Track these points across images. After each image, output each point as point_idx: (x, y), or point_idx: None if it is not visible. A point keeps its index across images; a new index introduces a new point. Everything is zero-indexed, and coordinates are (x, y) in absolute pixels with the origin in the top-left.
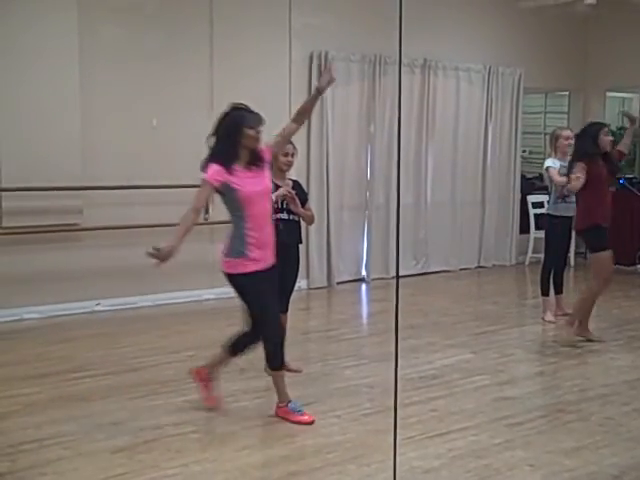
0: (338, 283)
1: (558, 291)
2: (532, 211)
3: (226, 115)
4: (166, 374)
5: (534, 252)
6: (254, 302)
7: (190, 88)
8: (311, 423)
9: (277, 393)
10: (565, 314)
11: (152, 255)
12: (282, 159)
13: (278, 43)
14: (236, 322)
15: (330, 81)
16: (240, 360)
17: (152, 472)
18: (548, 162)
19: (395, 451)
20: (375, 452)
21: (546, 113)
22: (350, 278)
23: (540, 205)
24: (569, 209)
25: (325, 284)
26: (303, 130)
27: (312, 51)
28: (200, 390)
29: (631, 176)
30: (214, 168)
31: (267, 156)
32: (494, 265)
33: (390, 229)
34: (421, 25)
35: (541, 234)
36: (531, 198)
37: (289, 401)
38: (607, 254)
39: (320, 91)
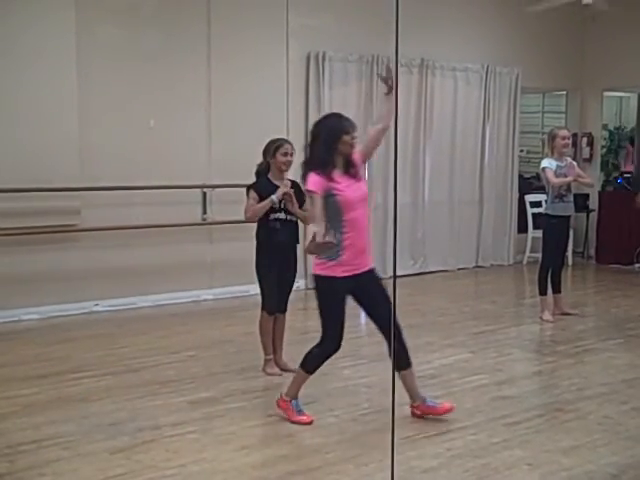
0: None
1: (556, 290)
2: (530, 210)
3: (321, 123)
4: (165, 374)
5: (532, 251)
6: (326, 307)
7: (187, 88)
8: (309, 423)
9: (289, 387)
10: (563, 313)
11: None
12: (281, 159)
13: (275, 43)
14: (235, 322)
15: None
16: (239, 360)
17: (150, 472)
18: (544, 163)
19: (393, 450)
20: (373, 451)
21: (544, 113)
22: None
23: (538, 204)
24: (566, 209)
25: None
26: (301, 130)
27: (309, 51)
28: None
29: (629, 175)
30: (314, 178)
31: (359, 161)
32: (492, 265)
33: (388, 229)
34: (418, 25)
35: (539, 233)
36: (529, 197)
37: (294, 398)
38: None
39: (388, 91)
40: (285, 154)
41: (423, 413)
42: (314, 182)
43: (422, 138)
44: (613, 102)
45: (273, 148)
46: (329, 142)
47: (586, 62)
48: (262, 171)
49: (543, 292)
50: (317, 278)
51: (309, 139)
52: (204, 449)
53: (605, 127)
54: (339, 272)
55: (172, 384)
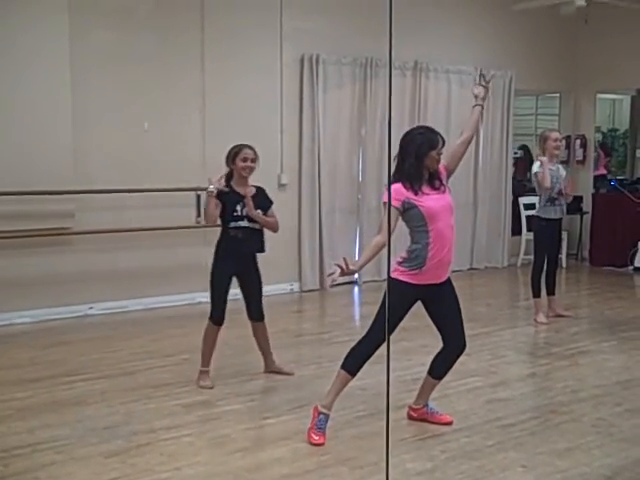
0: (331, 286)
1: (550, 292)
2: (524, 213)
3: (409, 135)
4: (160, 378)
5: (526, 254)
6: (387, 310)
7: (182, 91)
8: (317, 445)
9: (329, 392)
10: (557, 315)
11: (339, 266)
12: (240, 164)
13: (269, 46)
14: (230, 325)
15: (486, 93)
16: (234, 363)
17: (145, 476)
18: (536, 167)
19: (387, 453)
20: (368, 454)
21: (537, 115)
22: (342, 281)
23: (532, 207)
24: (557, 212)
25: (317, 287)
26: (295, 133)
27: (303, 54)
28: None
29: (622, 177)
30: (394, 188)
31: (444, 174)
32: (486, 267)
33: None
34: (412, 28)
35: (533, 236)
36: (522, 200)
37: (326, 409)
38: None
39: (479, 102)
40: (245, 159)
41: (420, 417)
42: (392, 192)
43: None
44: (606, 104)
45: (232, 154)
46: (417, 157)
47: (579, 64)
48: (228, 179)
49: (537, 294)
50: (392, 281)
51: (398, 150)
52: (199, 452)
53: (598, 129)
54: (416, 280)
55: (166, 387)
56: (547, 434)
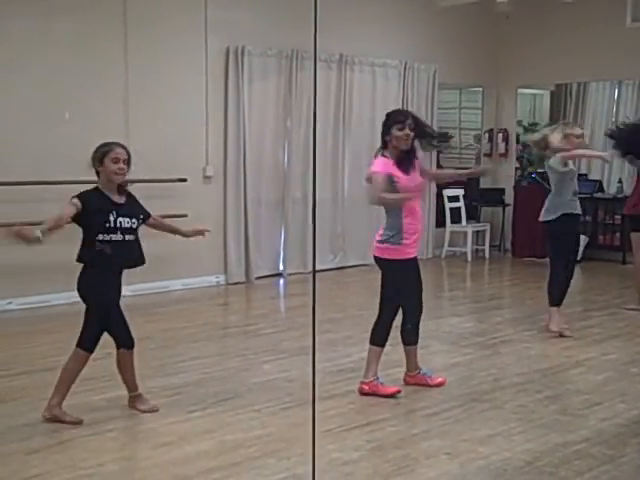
0: (256, 278)
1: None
2: (448, 205)
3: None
4: (83, 372)
5: (450, 245)
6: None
7: (104, 80)
8: (399, 391)
9: (366, 369)
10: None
11: None
12: (111, 167)
13: (194, 36)
14: (153, 319)
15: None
16: (158, 356)
17: (67, 472)
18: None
19: (314, 444)
20: (294, 445)
21: (461, 109)
22: (268, 273)
23: (456, 199)
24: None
25: (243, 279)
26: (220, 125)
27: (228, 45)
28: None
29: (542, 170)
30: (382, 160)
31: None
32: None
33: (307, 224)
34: (337, 20)
35: (457, 228)
36: (447, 192)
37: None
38: None
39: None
40: (116, 160)
41: (417, 382)
42: (379, 163)
43: (341, 133)
44: (527, 99)
45: (99, 154)
46: (383, 135)
47: (500, 59)
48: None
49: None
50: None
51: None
52: (123, 447)
53: (520, 123)
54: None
55: (89, 382)
56: (470, 422)
